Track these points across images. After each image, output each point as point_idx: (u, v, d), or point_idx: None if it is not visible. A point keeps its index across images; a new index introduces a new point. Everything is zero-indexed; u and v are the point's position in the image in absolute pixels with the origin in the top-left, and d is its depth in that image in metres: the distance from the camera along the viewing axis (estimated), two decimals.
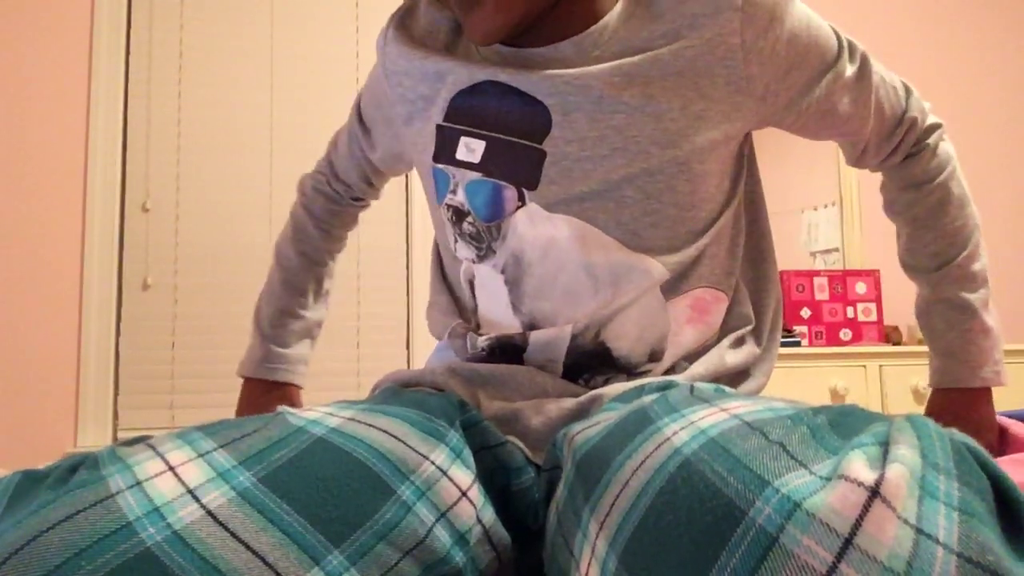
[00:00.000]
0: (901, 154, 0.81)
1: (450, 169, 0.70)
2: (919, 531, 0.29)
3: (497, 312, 0.71)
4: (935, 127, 0.82)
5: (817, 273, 2.48)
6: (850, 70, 0.73)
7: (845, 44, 0.73)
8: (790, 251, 2.71)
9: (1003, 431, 0.82)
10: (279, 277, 0.96)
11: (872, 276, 2.51)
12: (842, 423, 0.37)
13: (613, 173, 0.65)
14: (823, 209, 2.70)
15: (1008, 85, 3.04)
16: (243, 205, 2.39)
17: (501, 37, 0.66)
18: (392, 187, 2.52)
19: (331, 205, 0.98)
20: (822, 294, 2.47)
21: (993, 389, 0.84)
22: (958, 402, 0.83)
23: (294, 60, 2.48)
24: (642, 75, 0.64)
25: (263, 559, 0.39)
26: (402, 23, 0.76)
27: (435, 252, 0.81)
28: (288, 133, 2.45)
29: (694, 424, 0.40)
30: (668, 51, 0.64)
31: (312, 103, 2.48)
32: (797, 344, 2.34)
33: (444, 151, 0.71)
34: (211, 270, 2.35)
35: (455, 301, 0.76)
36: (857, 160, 0.82)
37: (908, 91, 0.80)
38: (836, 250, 2.72)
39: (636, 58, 0.64)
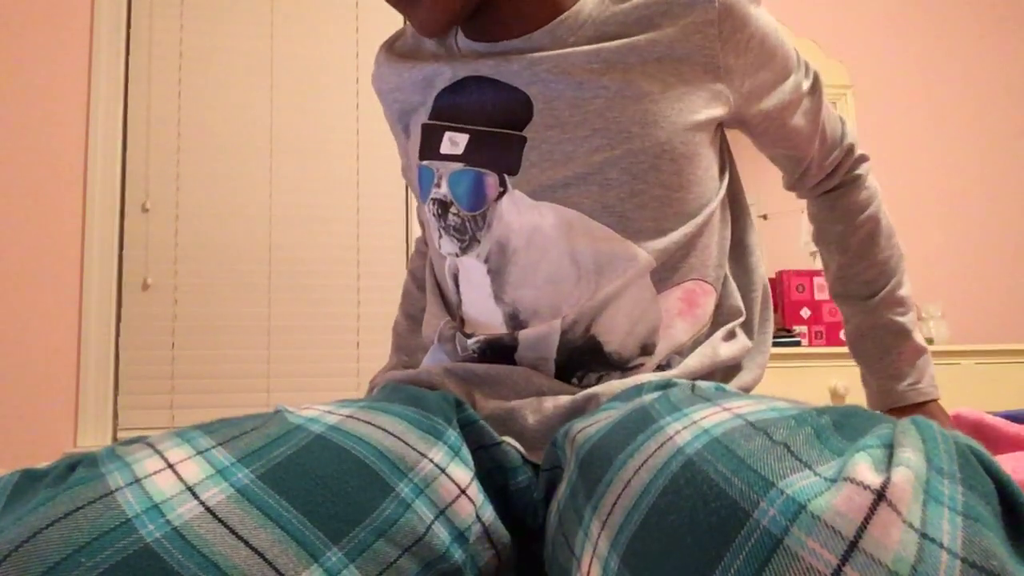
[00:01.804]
0: (837, 178, 0.86)
1: (434, 164, 0.71)
2: (924, 535, 0.29)
3: (479, 303, 0.70)
4: (865, 158, 0.88)
5: (817, 273, 2.48)
6: (806, 84, 0.78)
7: (801, 59, 0.78)
8: (790, 251, 2.71)
9: (993, 430, 0.82)
10: (392, 342, 0.98)
11: None
12: (846, 424, 0.36)
13: (595, 155, 0.65)
14: None
15: (1010, 84, 3.04)
16: (243, 205, 2.39)
17: (445, 28, 0.68)
18: (392, 187, 2.52)
19: (425, 261, 1.00)
20: (822, 294, 2.47)
21: (977, 394, 0.87)
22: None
23: (294, 60, 2.48)
24: (621, 61, 0.66)
25: (262, 556, 0.39)
26: (390, 47, 0.80)
27: (428, 261, 0.82)
28: (288, 133, 2.45)
29: (697, 423, 0.40)
30: (645, 38, 0.66)
31: (312, 104, 2.48)
32: (797, 344, 2.34)
33: (429, 148, 0.72)
34: (211, 270, 2.35)
35: (443, 301, 0.77)
36: (796, 181, 0.87)
37: (843, 120, 0.86)
38: None
39: (613, 44, 0.66)
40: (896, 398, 0.87)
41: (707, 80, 0.68)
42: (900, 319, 0.86)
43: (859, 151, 0.87)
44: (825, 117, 0.81)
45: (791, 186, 0.88)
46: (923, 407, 0.87)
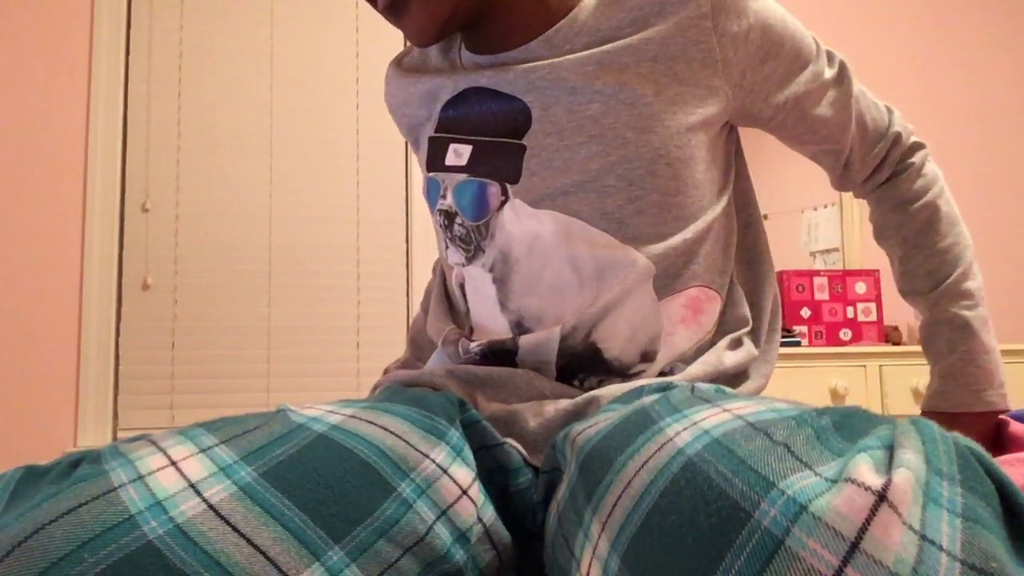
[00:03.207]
0: (887, 170, 0.81)
1: (440, 176, 0.72)
2: (923, 537, 0.29)
3: (486, 312, 0.71)
4: (920, 146, 0.82)
5: (817, 273, 2.48)
6: (828, 73, 0.74)
7: (823, 48, 0.74)
8: (790, 251, 2.71)
9: (1000, 429, 0.82)
10: (408, 337, 0.97)
11: (872, 276, 2.51)
12: (846, 425, 0.36)
13: (592, 162, 0.65)
14: (823, 209, 2.70)
15: (1012, 84, 3.04)
16: (243, 205, 2.39)
17: (436, 36, 0.68)
18: (392, 187, 2.52)
19: None
20: (822, 294, 2.47)
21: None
22: (957, 427, 0.79)
23: (294, 60, 2.48)
24: (615, 63, 0.65)
25: (264, 553, 0.39)
26: (398, 62, 0.80)
27: (439, 269, 0.83)
28: (288, 133, 2.45)
29: (697, 424, 0.39)
30: (639, 39, 0.65)
31: (312, 103, 2.48)
32: (797, 344, 2.34)
33: (435, 160, 0.73)
34: (211, 270, 2.35)
35: (451, 309, 0.77)
36: (841, 178, 0.82)
37: (891, 110, 0.81)
38: (836, 250, 2.72)
39: (607, 47, 0.66)
40: (954, 402, 0.78)
41: (705, 76, 0.67)
42: (965, 313, 0.78)
43: (912, 139, 0.81)
44: (862, 107, 0.77)
45: (839, 184, 0.83)
46: (977, 418, 0.78)
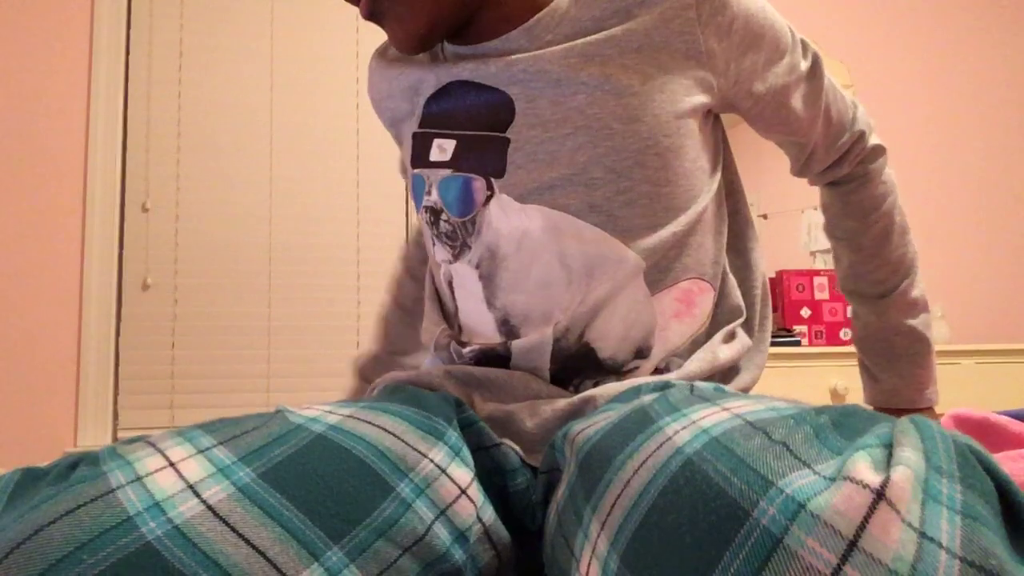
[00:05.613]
0: (847, 166, 0.83)
1: (425, 172, 0.71)
2: (923, 535, 0.29)
3: (473, 310, 0.70)
4: (881, 150, 0.84)
5: (817, 273, 2.48)
6: (803, 64, 0.75)
7: (799, 39, 0.75)
8: (790, 251, 2.71)
9: (1000, 429, 0.82)
10: (380, 330, 0.98)
11: None
12: (845, 423, 0.36)
13: (579, 154, 0.64)
14: None
15: (1011, 83, 3.04)
16: (243, 205, 2.39)
17: (418, 43, 0.68)
18: (392, 187, 2.52)
19: (423, 252, 0.98)
20: (822, 293, 2.47)
21: (982, 392, 0.86)
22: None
23: (294, 60, 2.48)
24: (599, 54, 0.64)
25: (263, 554, 0.39)
26: (382, 53, 0.79)
27: (429, 268, 0.82)
28: (288, 133, 2.45)
29: (696, 423, 0.39)
30: (622, 29, 0.64)
31: (312, 103, 2.48)
32: (797, 344, 2.34)
33: (419, 156, 0.71)
34: (211, 270, 2.35)
35: (441, 309, 0.76)
36: (802, 167, 0.84)
37: (855, 104, 0.82)
38: None
39: (590, 38, 0.65)
40: (900, 399, 0.86)
41: (689, 67, 0.66)
42: (911, 322, 0.85)
43: (874, 140, 0.83)
44: (830, 100, 0.78)
45: (798, 172, 0.85)
46: (926, 413, 0.86)
